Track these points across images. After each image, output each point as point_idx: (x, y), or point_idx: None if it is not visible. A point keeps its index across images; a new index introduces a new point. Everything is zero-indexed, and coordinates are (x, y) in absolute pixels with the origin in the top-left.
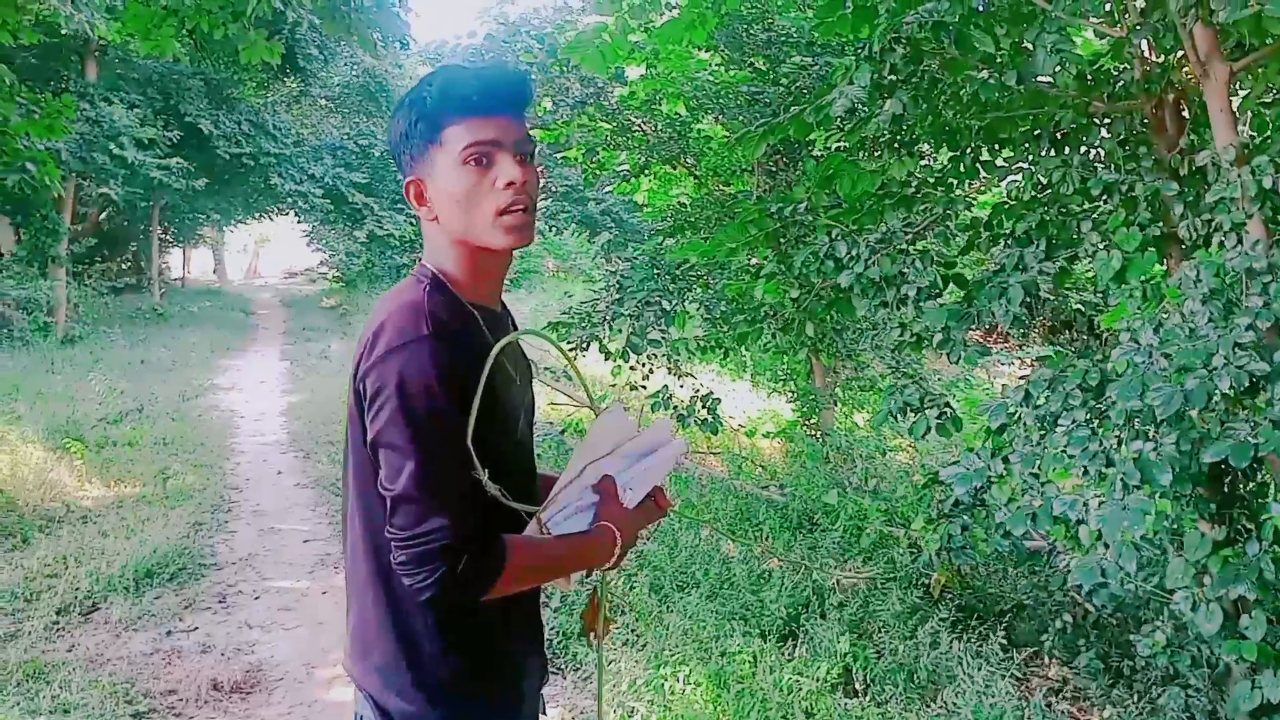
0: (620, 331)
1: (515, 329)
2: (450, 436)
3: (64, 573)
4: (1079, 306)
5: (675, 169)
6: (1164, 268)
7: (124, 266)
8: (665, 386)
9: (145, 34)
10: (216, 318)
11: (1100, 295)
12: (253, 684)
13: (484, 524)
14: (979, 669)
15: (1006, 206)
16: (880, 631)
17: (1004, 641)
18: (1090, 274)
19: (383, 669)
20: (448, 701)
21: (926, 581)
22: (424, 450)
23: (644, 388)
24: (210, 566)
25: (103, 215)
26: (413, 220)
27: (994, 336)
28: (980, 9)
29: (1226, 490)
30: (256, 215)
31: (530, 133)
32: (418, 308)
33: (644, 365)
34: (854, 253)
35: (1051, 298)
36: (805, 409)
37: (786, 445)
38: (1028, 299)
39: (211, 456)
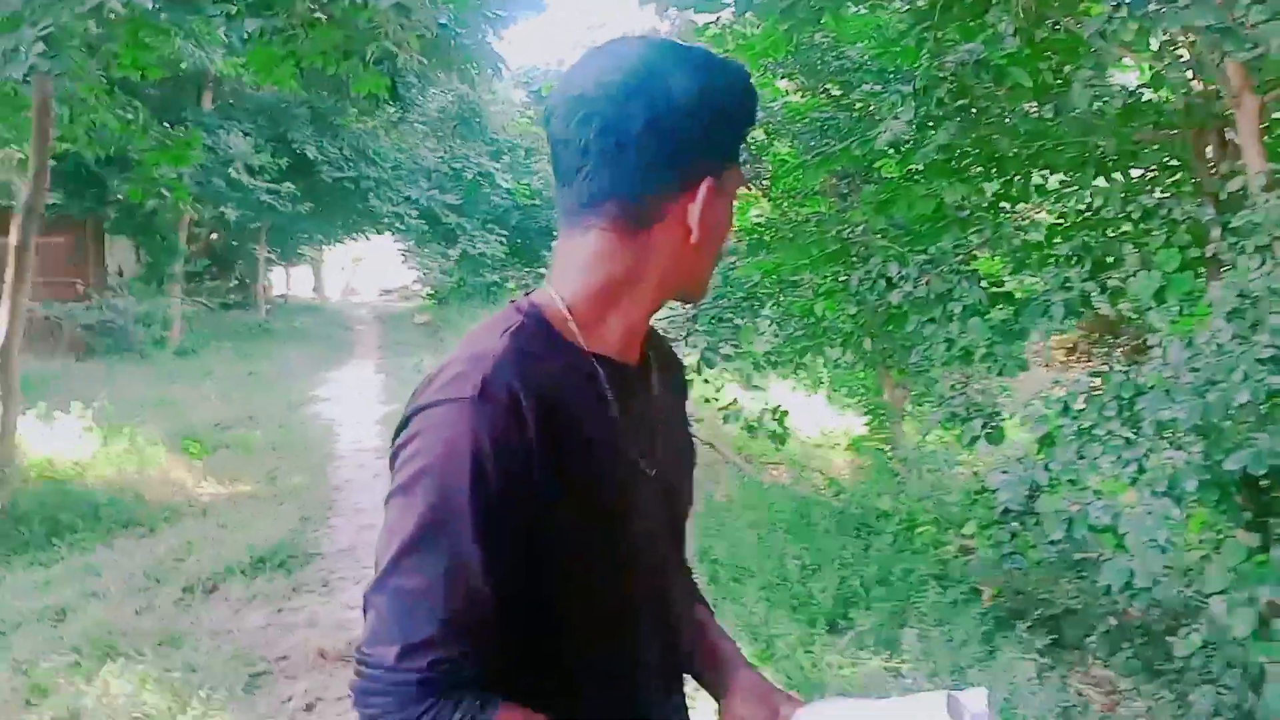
0: (695, 346)
1: (665, 390)
2: (465, 542)
3: (187, 557)
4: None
5: (750, 190)
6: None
7: (232, 284)
8: (735, 399)
9: (267, 72)
10: (317, 333)
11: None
12: (352, 655)
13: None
14: (1007, 652)
15: (1060, 228)
16: (921, 621)
17: (1047, 642)
18: None
19: None
20: None
21: (974, 583)
22: (415, 547)
23: (717, 400)
24: (315, 556)
25: (214, 236)
26: (503, 240)
27: (1075, 354)
28: (1014, 50)
29: (1264, 499)
30: (355, 236)
31: None
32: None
33: (716, 379)
34: (904, 273)
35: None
36: (875, 423)
37: (857, 459)
38: (1070, 316)
39: (315, 460)
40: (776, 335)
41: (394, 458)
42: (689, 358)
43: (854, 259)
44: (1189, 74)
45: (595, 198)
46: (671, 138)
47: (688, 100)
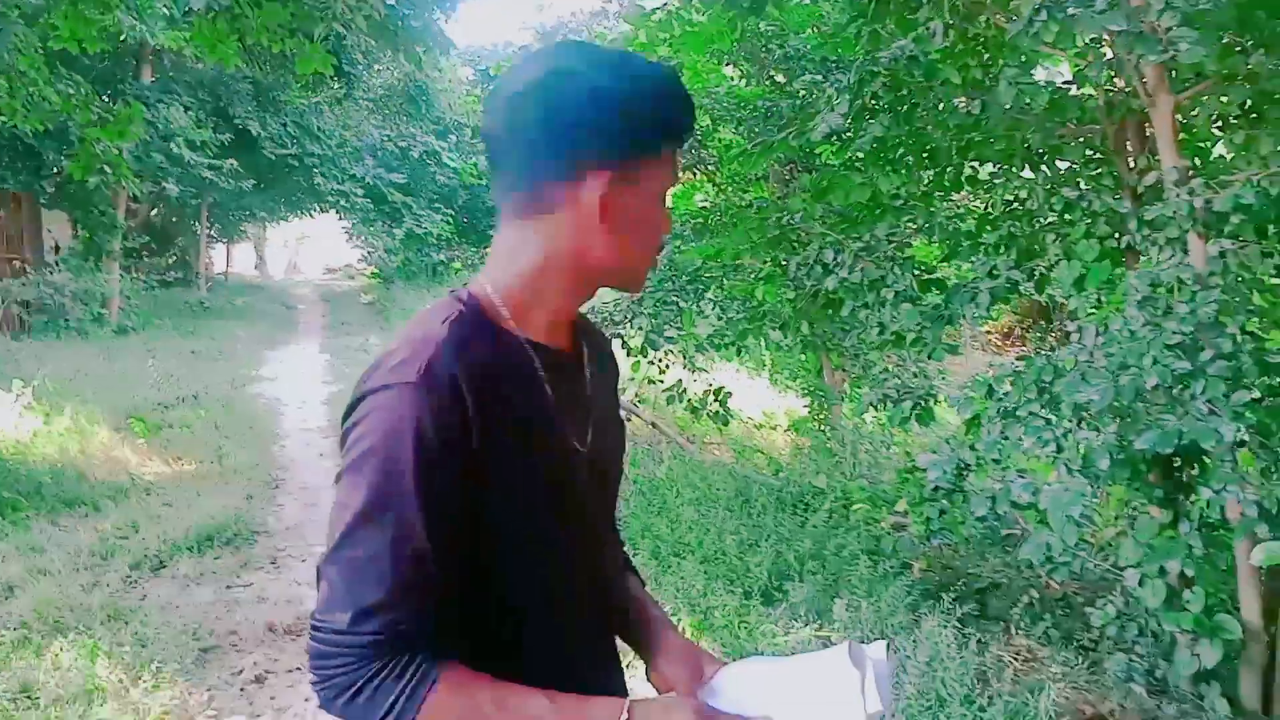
0: (640, 329)
1: (596, 372)
2: (410, 514)
3: (134, 535)
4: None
5: (696, 176)
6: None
7: (171, 261)
8: (679, 381)
9: (211, 48)
10: (259, 311)
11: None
12: (302, 628)
13: (433, 637)
14: (929, 618)
15: (990, 218)
16: (851, 593)
17: (972, 612)
18: None
19: None
20: None
21: (904, 558)
22: (364, 519)
23: (661, 382)
24: (262, 533)
25: (153, 212)
26: (449, 219)
27: (1010, 340)
28: (944, 47)
29: (1174, 477)
30: (300, 214)
31: None
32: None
33: (660, 361)
34: (839, 259)
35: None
36: (815, 405)
37: (798, 438)
38: (996, 302)
39: (260, 439)
40: (719, 318)
41: (344, 438)
42: (634, 339)
43: (793, 245)
44: (1111, 71)
45: (508, 189)
46: (561, 130)
47: (578, 96)
